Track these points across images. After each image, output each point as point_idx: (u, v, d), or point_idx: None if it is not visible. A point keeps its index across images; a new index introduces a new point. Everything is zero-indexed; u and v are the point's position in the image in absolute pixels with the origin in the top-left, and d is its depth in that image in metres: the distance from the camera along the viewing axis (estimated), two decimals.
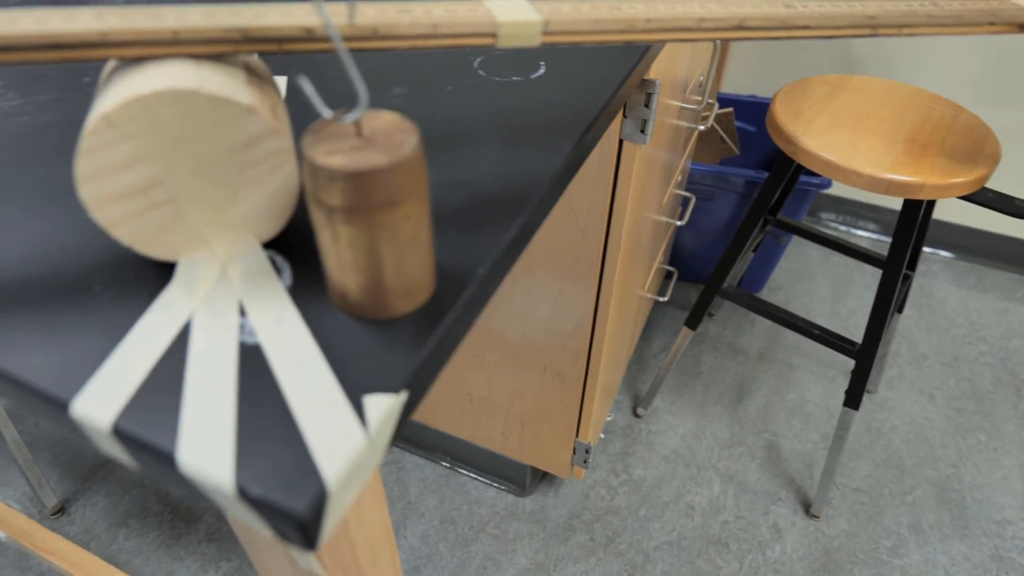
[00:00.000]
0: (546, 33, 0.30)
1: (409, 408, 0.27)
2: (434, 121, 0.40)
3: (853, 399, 1.04)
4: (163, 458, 0.23)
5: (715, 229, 1.45)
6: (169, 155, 0.26)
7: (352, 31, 0.27)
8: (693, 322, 1.19)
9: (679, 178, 1.19)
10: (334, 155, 0.24)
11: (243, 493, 0.22)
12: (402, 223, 0.26)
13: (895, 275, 0.95)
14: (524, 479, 1.16)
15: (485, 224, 0.32)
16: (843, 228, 1.79)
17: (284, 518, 0.22)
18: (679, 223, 1.08)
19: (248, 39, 0.26)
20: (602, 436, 1.27)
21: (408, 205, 0.25)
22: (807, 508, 1.17)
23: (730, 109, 1.46)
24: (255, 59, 0.30)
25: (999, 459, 1.25)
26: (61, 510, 1.15)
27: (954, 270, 1.67)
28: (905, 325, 1.52)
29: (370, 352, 0.26)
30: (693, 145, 1.34)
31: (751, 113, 1.55)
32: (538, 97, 0.42)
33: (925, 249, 1.73)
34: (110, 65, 0.28)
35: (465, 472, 1.22)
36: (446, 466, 1.23)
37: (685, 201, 1.40)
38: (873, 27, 0.35)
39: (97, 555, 1.11)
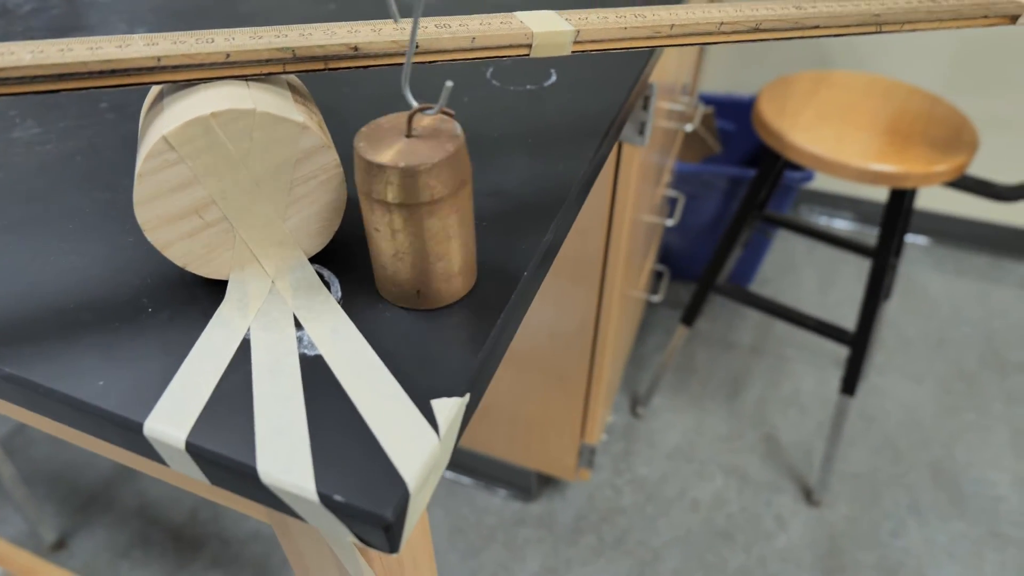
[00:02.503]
0: (577, 42, 0.31)
1: (471, 409, 0.27)
2: None
3: (849, 386, 1.07)
4: (242, 472, 0.24)
5: (701, 227, 1.47)
6: (223, 175, 0.26)
7: (396, 47, 0.28)
8: (689, 319, 1.21)
9: (667, 178, 1.21)
10: (389, 153, 0.26)
11: (326, 500, 0.23)
12: (451, 213, 0.27)
13: (884, 262, 0.98)
14: (529, 484, 1.17)
15: (521, 229, 0.33)
16: (823, 220, 1.83)
17: (369, 522, 0.22)
18: (670, 223, 1.10)
19: (296, 58, 0.27)
20: (604, 437, 1.28)
21: (457, 196, 0.27)
22: (808, 496, 1.19)
23: (711, 109, 1.49)
24: (295, 78, 0.30)
25: (989, 437, 1.28)
26: (61, 544, 1.13)
27: (933, 256, 1.72)
28: (891, 312, 1.55)
29: (428, 357, 0.27)
30: (679, 145, 1.36)
31: (730, 111, 1.58)
32: (553, 104, 0.43)
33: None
34: (156, 90, 0.28)
35: (469, 481, 1.22)
36: (450, 476, 1.23)
37: (673, 201, 1.43)
38: (878, 24, 0.37)
39: None
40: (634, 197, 0.77)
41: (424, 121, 0.27)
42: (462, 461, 1.20)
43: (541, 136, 0.40)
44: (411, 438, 0.24)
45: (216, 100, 0.25)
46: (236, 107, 0.25)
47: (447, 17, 0.30)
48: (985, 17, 0.39)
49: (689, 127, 1.00)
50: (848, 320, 1.53)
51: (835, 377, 1.40)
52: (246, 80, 0.27)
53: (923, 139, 0.91)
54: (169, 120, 0.25)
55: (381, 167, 0.25)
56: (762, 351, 1.46)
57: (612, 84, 0.46)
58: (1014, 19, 0.40)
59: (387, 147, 0.26)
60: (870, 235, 1.77)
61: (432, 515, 1.17)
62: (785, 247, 1.74)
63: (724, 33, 0.33)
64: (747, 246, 1.49)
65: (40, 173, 0.37)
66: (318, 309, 0.29)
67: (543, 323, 0.90)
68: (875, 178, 0.86)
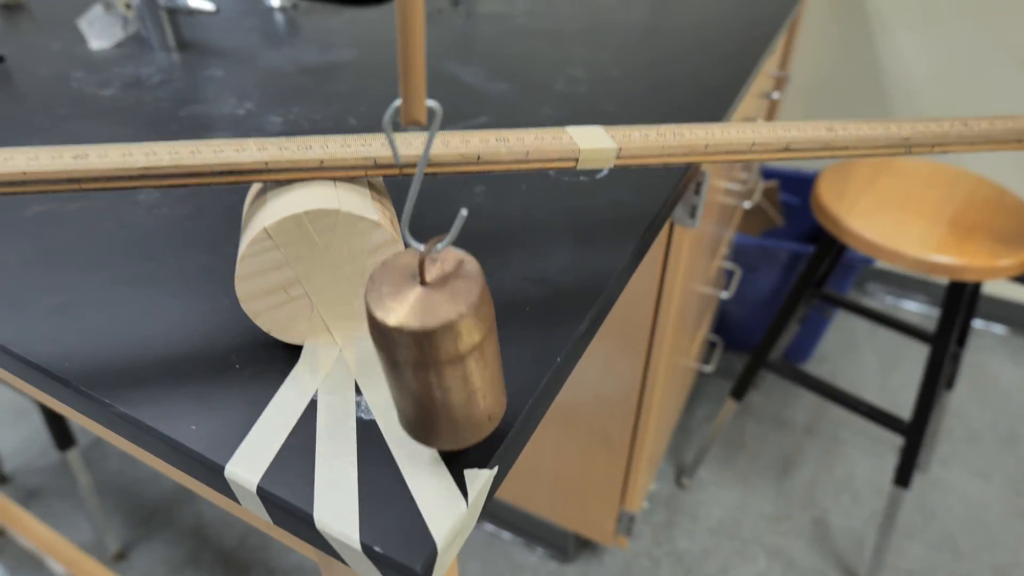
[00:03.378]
0: (619, 157, 0.35)
1: (499, 480, 0.31)
2: (512, 218, 0.45)
3: (903, 477, 1.03)
4: (300, 517, 0.28)
5: (760, 299, 1.47)
6: (308, 260, 0.32)
7: (462, 158, 0.33)
8: (739, 393, 1.21)
9: (724, 251, 1.23)
10: (400, 310, 0.24)
11: (367, 550, 0.26)
12: (473, 367, 0.25)
13: (943, 351, 0.96)
14: (567, 545, 1.17)
15: (558, 316, 0.37)
16: (890, 300, 1.78)
17: (402, 572, 0.26)
18: (725, 295, 1.11)
19: (378, 165, 0.32)
20: (646, 505, 1.27)
21: (481, 346, 0.25)
22: None
23: (775, 182, 1.50)
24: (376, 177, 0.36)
25: None
26: (122, 556, 1.20)
27: (1009, 346, 1.64)
28: (957, 402, 1.49)
29: None
30: (739, 218, 1.38)
31: (795, 185, 1.59)
32: (604, 196, 0.48)
33: (978, 324, 1.71)
34: (257, 185, 0.34)
35: (509, 536, 1.23)
36: (490, 530, 1.24)
37: (730, 273, 1.43)
38: (907, 147, 0.40)
39: None
40: (685, 270, 0.79)
41: (446, 263, 0.25)
42: (503, 515, 1.22)
43: (588, 225, 0.44)
44: (444, 502, 0.28)
45: (308, 199, 0.31)
46: (324, 207, 0.30)
47: (507, 131, 0.35)
48: (1019, 141, 0.41)
49: (747, 204, 1.02)
50: (910, 407, 1.48)
51: (893, 465, 1.35)
52: (334, 181, 0.32)
53: (988, 231, 0.90)
54: (269, 215, 0.30)
55: (391, 329, 0.23)
56: (816, 431, 1.43)
57: (662, 177, 0.50)
58: None
59: (398, 300, 0.24)
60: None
61: (469, 567, 1.18)
62: (847, 325, 1.71)
63: (756, 152, 0.37)
64: (804, 323, 1.47)
65: (156, 234, 0.44)
66: (376, 379, 0.33)
67: (588, 384, 0.92)
68: (933, 269, 0.85)
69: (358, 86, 0.66)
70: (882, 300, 1.79)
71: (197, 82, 0.67)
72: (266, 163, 0.31)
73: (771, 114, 1.41)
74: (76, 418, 0.39)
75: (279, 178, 0.32)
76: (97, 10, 0.74)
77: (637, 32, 0.82)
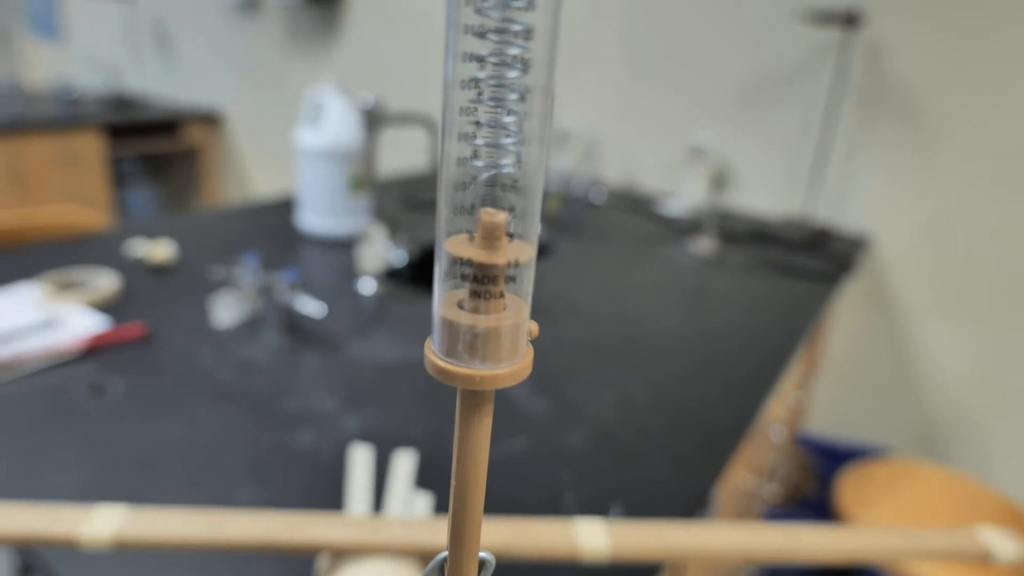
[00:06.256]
0: (611, 555, 0.45)
1: None
2: None
3: None
4: None
5: None
6: None
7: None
8: None
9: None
10: None
11: None
12: None
13: None
14: None
15: None
16: None
17: None
18: None
19: (423, 551, 0.43)
20: None
21: None
22: None
23: (807, 457, 1.54)
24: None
25: None
26: None
27: None
28: None
29: None
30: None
31: (827, 456, 1.62)
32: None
33: None
34: (327, 557, 0.45)
35: None
36: None
37: None
38: (860, 559, 0.48)
39: None
40: None
41: None
42: None
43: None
44: None
45: (372, 573, 0.41)
46: None
47: (517, 522, 0.45)
48: (961, 553, 0.49)
49: (769, 489, 1.08)
50: None
51: None
52: (393, 555, 0.43)
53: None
54: None
55: None
56: None
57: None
58: (987, 556, 0.50)
59: None
60: None
61: None
62: None
63: (731, 557, 0.46)
64: None
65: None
66: None
67: None
68: None
69: (423, 391, 0.80)
70: None
71: (297, 370, 0.82)
72: (345, 543, 0.42)
73: (799, 406, 1.50)
74: None
75: (351, 552, 0.42)
76: (229, 294, 0.93)
77: (667, 348, 0.96)
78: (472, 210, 0.20)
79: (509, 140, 0.19)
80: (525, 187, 0.20)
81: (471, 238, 0.20)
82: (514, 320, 0.20)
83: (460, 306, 0.20)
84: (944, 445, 1.60)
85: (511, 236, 0.20)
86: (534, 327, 0.21)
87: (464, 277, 0.20)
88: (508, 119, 0.19)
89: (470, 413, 0.21)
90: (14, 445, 0.65)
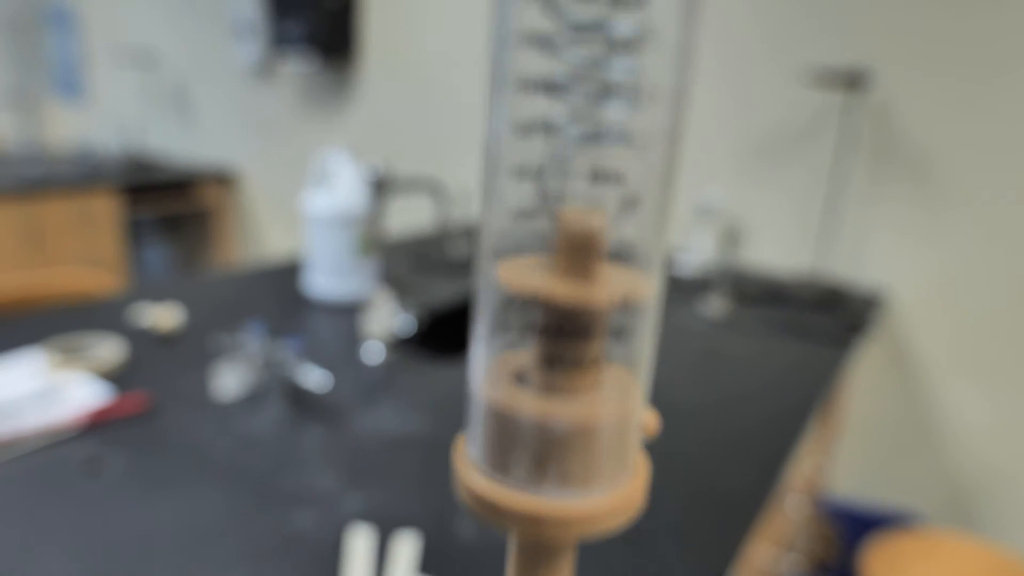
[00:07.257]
0: None
1: None
2: None
3: None
4: None
5: None
6: None
7: None
8: None
9: None
10: None
11: None
12: None
13: None
14: None
15: None
16: None
17: None
18: None
19: None
20: None
21: None
22: None
23: (831, 528, 1.48)
24: None
25: None
26: None
27: None
28: None
29: None
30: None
31: (852, 525, 1.55)
32: None
33: None
34: None
35: None
36: None
37: None
38: None
39: None
40: None
41: None
42: None
43: None
44: None
45: None
46: None
47: None
48: None
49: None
50: None
51: None
52: None
53: None
54: None
55: None
56: None
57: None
58: None
59: None
60: None
61: None
62: None
63: None
64: None
65: None
66: None
67: None
68: None
69: (426, 466, 0.77)
70: None
71: (299, 444, 0.80)
72: None
73: (820, 471, 1.45)
74: None
75: None
76: (233, 365, 0.92)
77: (679, 418, 0.93)
78: (544, 210, 0.11)
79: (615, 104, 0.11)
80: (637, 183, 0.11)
81: (543, 261, 0.11)
82: (620, 408, 0.12)
83: (520, 380, 0.12)
84: (974, 507, 1.53)
85: (617, 258, 0.11)
86: (651, 421, 0.13)
87: (530, 329, 0.11)
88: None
89: (533, 571, 0.11)
90: (9, 533, 0.62)
